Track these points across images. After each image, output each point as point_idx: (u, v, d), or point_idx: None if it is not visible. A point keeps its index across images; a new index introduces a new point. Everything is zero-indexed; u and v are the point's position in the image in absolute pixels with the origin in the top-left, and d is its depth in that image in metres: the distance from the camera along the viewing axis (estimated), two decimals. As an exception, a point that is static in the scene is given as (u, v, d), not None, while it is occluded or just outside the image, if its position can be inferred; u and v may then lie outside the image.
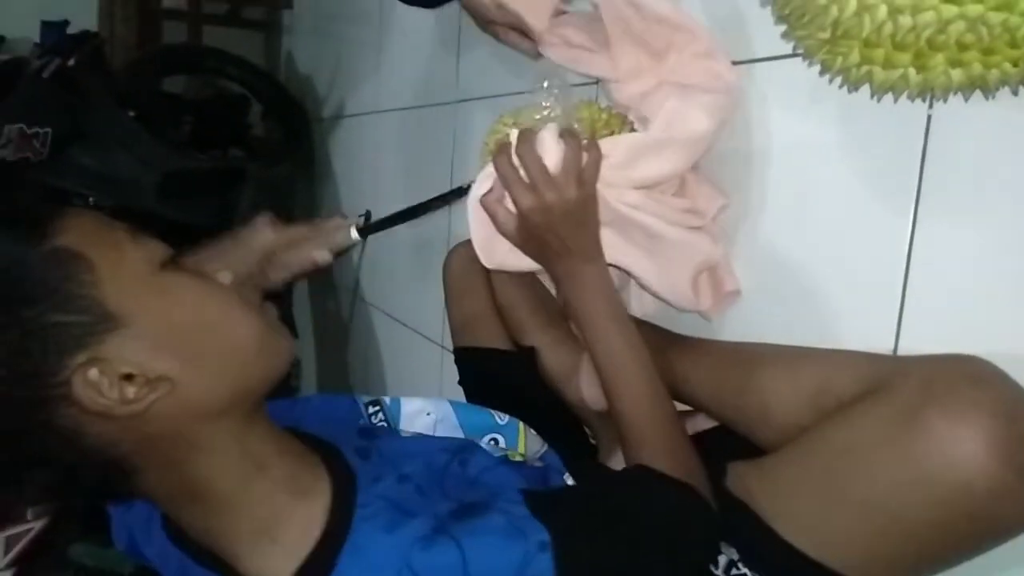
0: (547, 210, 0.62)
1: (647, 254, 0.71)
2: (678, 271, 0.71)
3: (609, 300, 0.66)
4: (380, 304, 1.72)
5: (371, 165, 1.75)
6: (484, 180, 0.67)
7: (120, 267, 0.47)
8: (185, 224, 1.68)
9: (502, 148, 0.64)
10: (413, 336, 1.50)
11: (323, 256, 0.80)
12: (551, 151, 0.63)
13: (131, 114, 1.73)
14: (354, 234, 0.82)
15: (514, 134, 0.64)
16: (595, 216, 0.66)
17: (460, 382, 0.94)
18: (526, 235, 0.65)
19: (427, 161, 1.42)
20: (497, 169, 0.64)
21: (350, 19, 1.90)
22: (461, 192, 0.77)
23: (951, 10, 0.45)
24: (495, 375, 0.89)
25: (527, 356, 0.88)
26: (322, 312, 2.15)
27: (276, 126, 2.16)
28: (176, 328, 0.48)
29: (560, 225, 0.63)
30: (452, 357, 0.96)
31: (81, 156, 1.68)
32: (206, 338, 0.50)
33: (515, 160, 0.63)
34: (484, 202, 0.67)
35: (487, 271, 0.86)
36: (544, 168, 0.62)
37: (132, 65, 1.96)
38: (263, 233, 0.77)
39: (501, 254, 0.71)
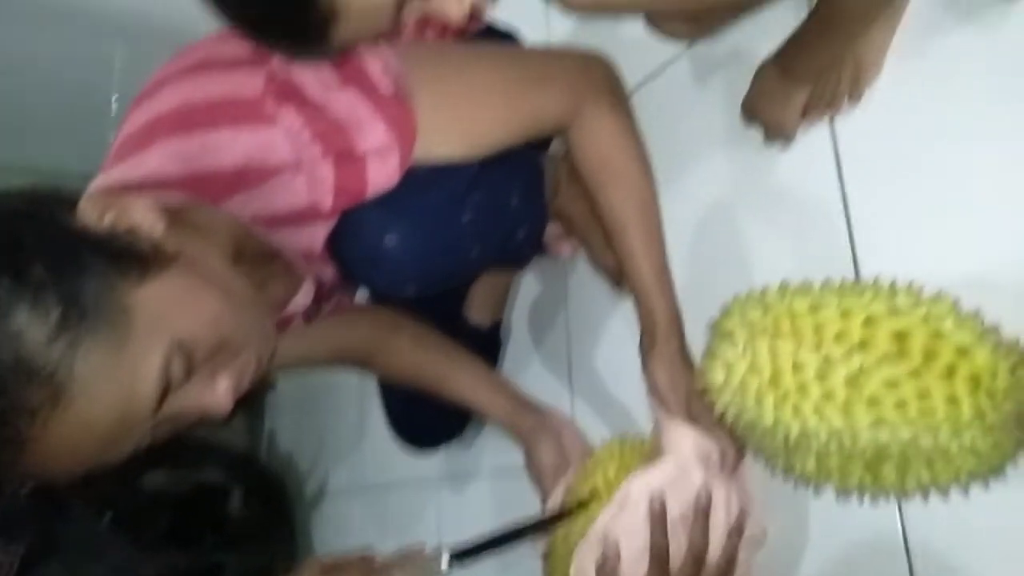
0: None
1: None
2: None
3: None
4: None
5: (356, 544, 1.70)
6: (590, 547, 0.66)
7: None
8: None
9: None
10: None
11: None
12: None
13: (108, 516, 1.71)
14: (445, 565, 0.77)
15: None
16: None
17: None
18: None
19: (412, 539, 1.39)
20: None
21: (332, 397, 2.00)
22: (559, 518, 0.75)
23: (883, 434, 0.50)
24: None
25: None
26: None
27: (256, 508, 2.13)
28: None
29: None
30: None
31: (51, 572, 1.61)
32: None
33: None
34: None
35: None
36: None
37: (112, 466, 1.98)
38: None
39: None
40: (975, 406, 0.47)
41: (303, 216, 0.69)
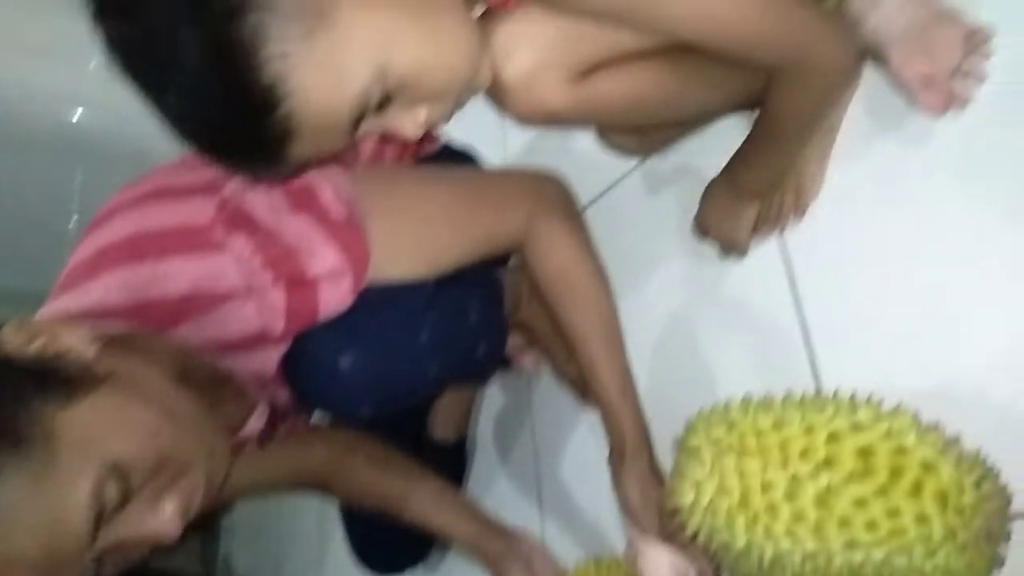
0: None
1: None
2: None
3: None
4: None
5: None
6: None
7: None
8: None
9: None
10: None
11: None
12: None
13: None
14: None
15: None
16: None
17: None
18: None
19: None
20: None
21: (290, 520, 1.91)
22: None
23: (857, 555, 0.49)
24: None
25: None
26: None
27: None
28: None
29: None
30: None
31: None
32: None
33: None
34: None
35: None
36: None
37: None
38: None
39: None
40: (946, 525, 0.46)
41: (254, 341, 0.68)
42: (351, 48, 0.51)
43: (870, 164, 0.70)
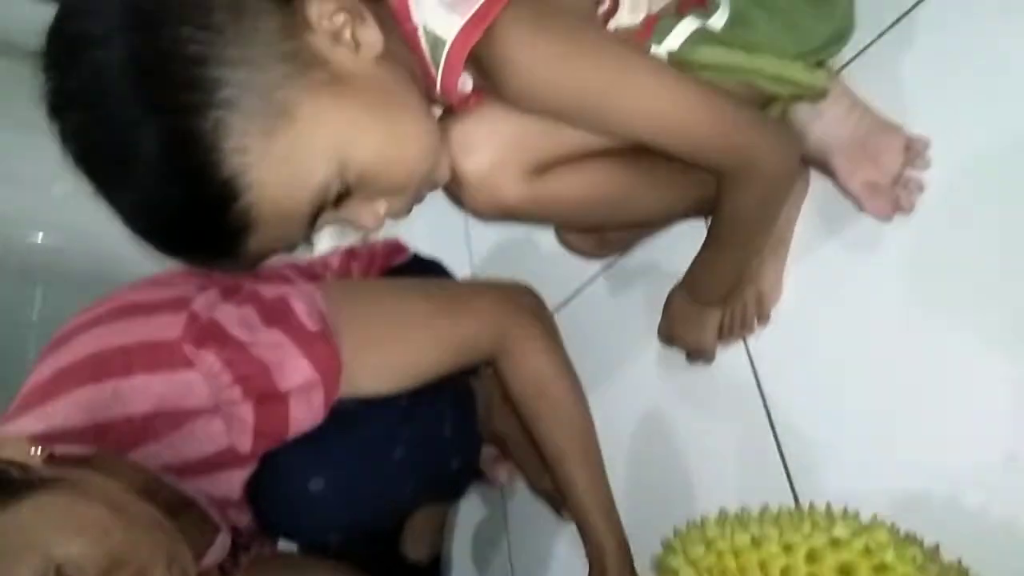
0: None
1: None
2: None
3: None
4: None
5: None
6: None
7: None
8: None
9: None
10: None
11: None
12: None
13: None
14: None
15: None
16: None
17: None
18: None
19: None
20: None
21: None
22: None
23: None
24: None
25: None
26: None
27: None
28: None
29: None
30: None
31: None
32: None
33: None
34: None
35: None
36: None
37: None
38: None
39: None
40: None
41: (221, 460, 0.66)
42: (312, 144, 0.52)
43: (825, 269, 0.71)
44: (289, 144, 0.51)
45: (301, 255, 1.04)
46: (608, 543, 0.72)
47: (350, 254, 1.00)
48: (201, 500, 0.68)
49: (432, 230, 1.36)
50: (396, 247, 1.03)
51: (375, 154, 0.55)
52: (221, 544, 0.71)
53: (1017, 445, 0.55)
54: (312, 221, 0.56)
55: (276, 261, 0.91)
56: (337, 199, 0.55)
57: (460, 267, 1.18)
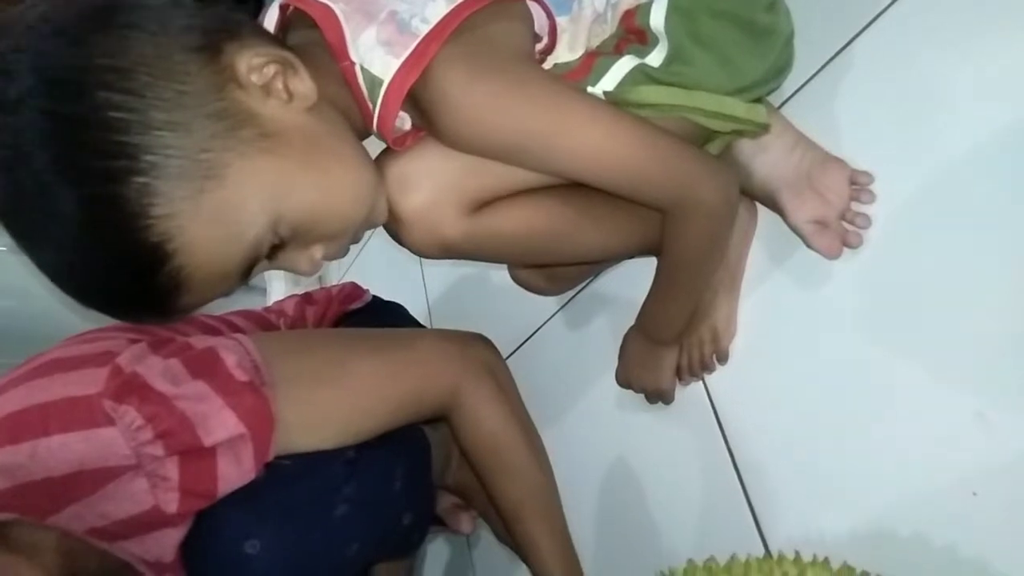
0: None
1: None
2: None
3: None
4: None
5: None
6: None
7: None
8: None
9: None
10: None
11: None
12: None
13: None
14: None
15: None
16: None
17: None
18: None
19: None
20: None
21: None
22: None
23: None
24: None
25: None
26: None
27: None
28: None
29: None
30: None
31: None
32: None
33: None
34: None
35: None
36: None
37: None
38: None
39: None
40: None
41: (149, 521, 0.62)
42: (242, 203, 0.50)
43: (778, 304, 0.70)
44: (219, 205, 0.49)
45: (253, 303, 1.02)
46: None
47: (306, 299, 0.97)
48: (134, 564, 0.65)
49: (387, 268, 1.35)
50: (353, 291, 1.01)
51: (309, 206, 0.54)
52: (157, 612, 0.67)
53: (977, 476, 0.54)
54: (246, 274, 0.54)
55: (228, 311, 0.89)
56: (272, 250, 0.54)
57: (416, 304, 1.16)
